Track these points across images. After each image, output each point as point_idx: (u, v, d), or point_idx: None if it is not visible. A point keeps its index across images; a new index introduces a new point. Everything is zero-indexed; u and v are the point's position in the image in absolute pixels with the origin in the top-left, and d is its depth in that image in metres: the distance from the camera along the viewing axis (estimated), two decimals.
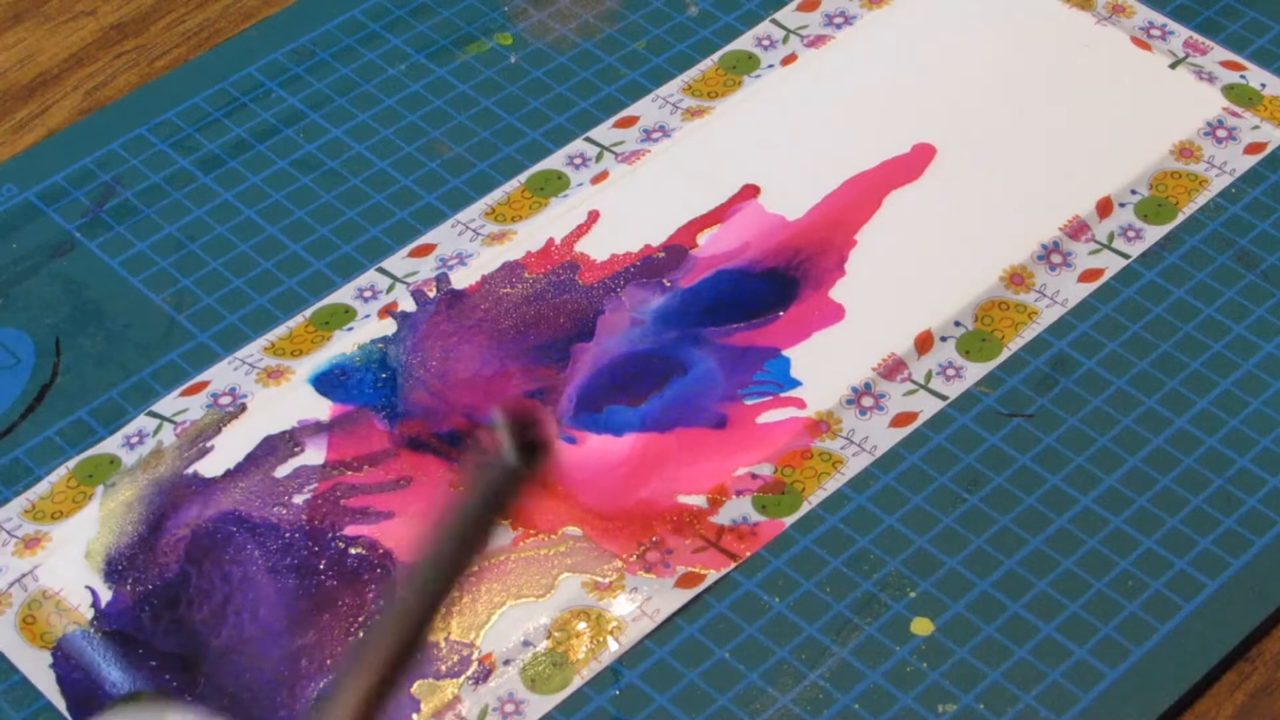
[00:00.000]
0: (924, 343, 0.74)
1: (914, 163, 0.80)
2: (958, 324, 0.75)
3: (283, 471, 0.71)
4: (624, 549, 0.69)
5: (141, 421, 0.72)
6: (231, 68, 0.84)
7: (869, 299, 0.75)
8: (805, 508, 0.70)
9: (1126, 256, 0.77)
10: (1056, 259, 0.77)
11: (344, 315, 0.75)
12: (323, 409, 0.73)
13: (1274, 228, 0.78)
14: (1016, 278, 0.76)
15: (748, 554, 0.68)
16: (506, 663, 0.66)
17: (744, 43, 0.85)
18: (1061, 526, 0.69)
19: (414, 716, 0.64)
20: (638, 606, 0.67)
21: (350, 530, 0.69)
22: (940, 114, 0.81)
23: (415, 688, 0.65)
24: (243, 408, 0.73)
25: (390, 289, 0.76)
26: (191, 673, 0.65)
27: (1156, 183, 0.79)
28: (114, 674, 0.65)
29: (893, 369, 0.73)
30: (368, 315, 0.75)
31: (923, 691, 0.65)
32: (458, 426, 0.72)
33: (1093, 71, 0.83)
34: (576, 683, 0.66)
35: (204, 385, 0.73)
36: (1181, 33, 0.84)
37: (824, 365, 0.73)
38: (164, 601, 0.67)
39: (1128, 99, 0.82)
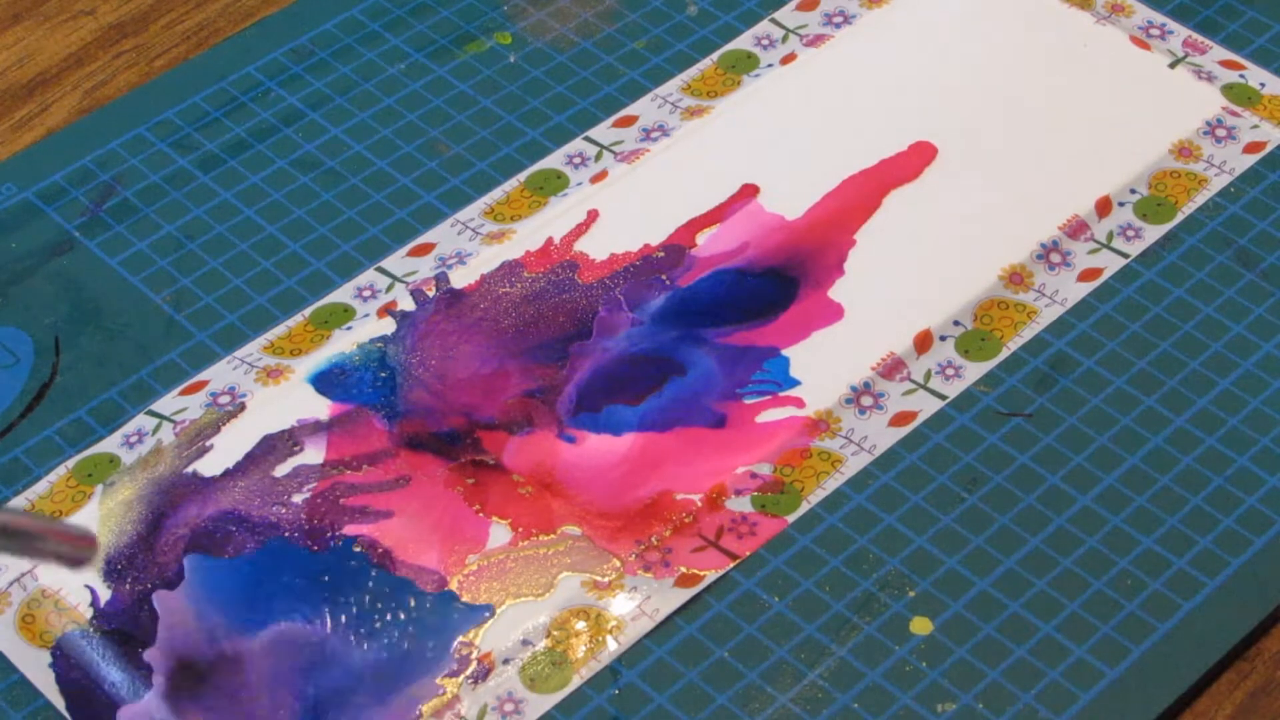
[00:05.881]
0: (923, 342, 0.74)
1: (913, 162, 0.80)
2: (957, 323, 0.75)
3: (282, 471, 0.71)
4: (623, 548, 0.69)
5: (141, 421, 0.72)
6: (231, 67, 0.84)
7: (868, 298, 0.75)
8: (804, 507, 0.70)
9: (1126, 256, 0.77)
10: (1056, 258, 0.77)
11: (343, 314, 0.75)
12: (322, 408, 0.73)
13: (1273, 227, 0.78)
14: (1016, 277, 0.76)
15: (747, 553, 0.68)
16: (505, 662, 0.66)
17: (743, 42, 0.85)
18: (1060, 526, 0.69)
19: (413, 716, 0.65)
20: (637, 606, 0.67)
21: (349, 529, 0.69)
22: (940, 113, 0.81)
23: (414, 687, 0.65)
24: (242, 407, 0.73)
25: (389, 288, 0.76)
26: (190, 672, 0.65)
27: (1156, 182, 0.79)
28: (113, 674, 0.65)
29: (892, 368, 0.73)
30: (367, 314, 0.75)
31: (922, 691, 0.65)
32: (457, 426, 0.72)
33: (1092, 71, 0.83)
34: (576, 682, 0.66)
35: (203, 384, 0.73)
36: (1181, 32, 0.84)
37: (823, 365, 0.73)
38: (163, 600, 0.67)
39: (1127, 98, 0.82)
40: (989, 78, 0.83)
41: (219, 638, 0.66)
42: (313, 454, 0.71)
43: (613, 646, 0.66)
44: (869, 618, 0.67)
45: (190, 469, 0.71)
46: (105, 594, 0.67)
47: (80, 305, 0.76)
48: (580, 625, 0.67)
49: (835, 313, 0.75)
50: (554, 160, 0.81)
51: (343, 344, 0.74)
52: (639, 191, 0.79)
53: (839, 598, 0.67)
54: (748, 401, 0.72)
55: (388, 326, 0.75)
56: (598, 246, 0.77)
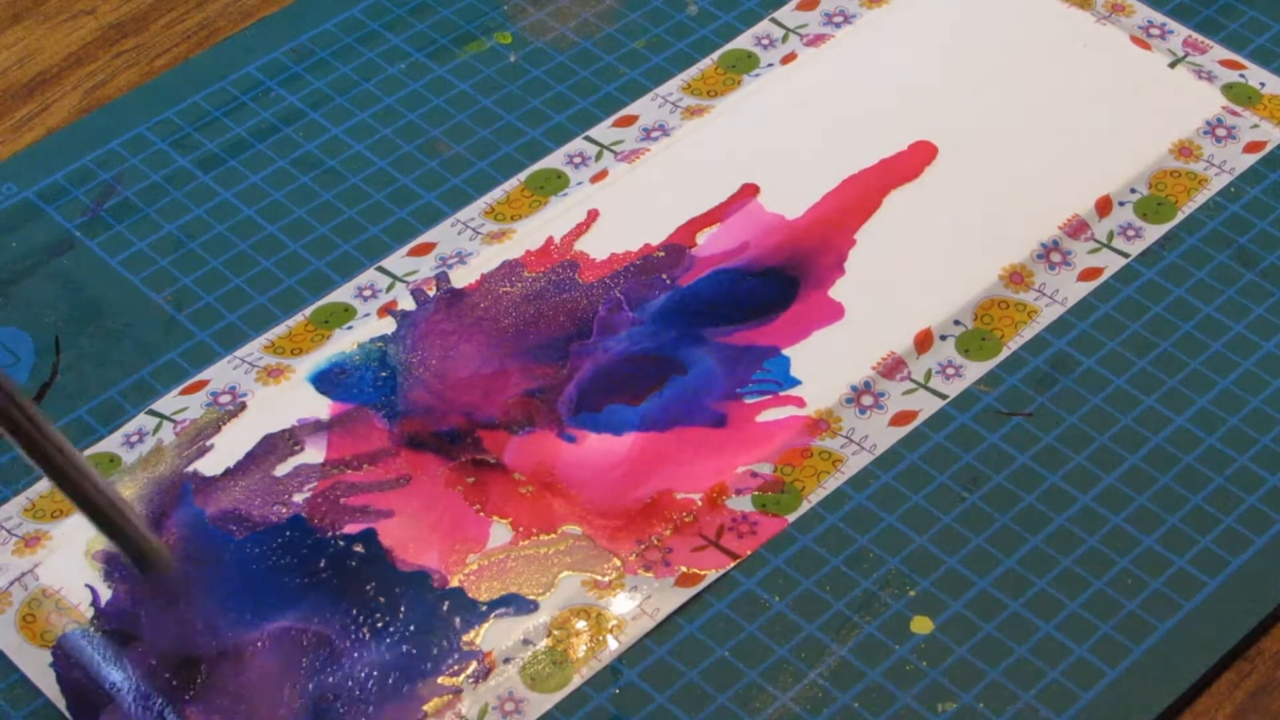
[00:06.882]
0: (924, 341, 0.74)
1: (913, 162, 0.80)
2: (957, 323, 0.75)
3: (282, 470, 0.71)
4: (623, 548, 0.69)
5: (141, 420, 0.72)
6: (231, 66, 0.84)
7: (868, 298, 0.75)
8: (805, 506, 0.70)
9: (1126, 255, 0.77)
10: (1056, 258, 0.77)
11: (344, 314, 0.75)
12: (322, 408, 0.73)
13: (1273, 226, 0.78)
14: (1016, 276, 0.76)
15: (747, 553, 0.68)
16: (506, 661, 0.66)
17: (743, 41, 0.85)
18: (1061, 525, 0.69)
19: (415, 715, 0.65)
20: (637, 605, 0.67)
21: (350, 529, 0.69)
22: (940, 113, 0.81)
23: (416, 686, 0.65)
24: (242, 406, 0.73)
25: (390, 288, 0.76)
26: (191, 672, 0.65)
27: (1156, 181, 0.79)
28: (114, 673, 0.65)
29: (892, 368, 0.73)
30: (367, 314, 0.75)
31: (922, 690, 0.65)
32: (457, 425, 0.72)
33: (1092, 71, 0.83)
34: (576, 681, 0.66)
35: (204, 384, 0.73)
36: (1181, 31, 0.84)
37: (823, 364, 0.73)
38: (163, 600, 0.67)
39: (1127, 98, 0.82)
40: (989, 77, 0.83)
41: (220, 636, 0.66)
42: (313, 453, 0.71)
43: (613, 646, 0.66)
44: (869, 617, 0.67)
45: (191, 468, 0.71)
46: (106, 593, 0.67)
47: (80, 305, 0.76)
48: (581, 624, 0.67)
49: (835, 312, 0.75)
50: (554, 160, 0.81)
51: (343, 343, 0.74)
52: (639, 191, 0.79)
53: (839, 597, 0.67)
54: (748, 401, 0.72)
55: (388, 326, 0.75)
56: (598, 246, 0.77)
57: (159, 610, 0.67)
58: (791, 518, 0.69)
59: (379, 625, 0.66)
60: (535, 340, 0.74)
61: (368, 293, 0.76)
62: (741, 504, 0.70)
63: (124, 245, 0.78)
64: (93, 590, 0.68)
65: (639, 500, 0.70)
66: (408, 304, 0.75)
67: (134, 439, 0.72)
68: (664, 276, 0.76)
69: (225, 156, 0.81)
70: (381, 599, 0.67)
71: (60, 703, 0.65)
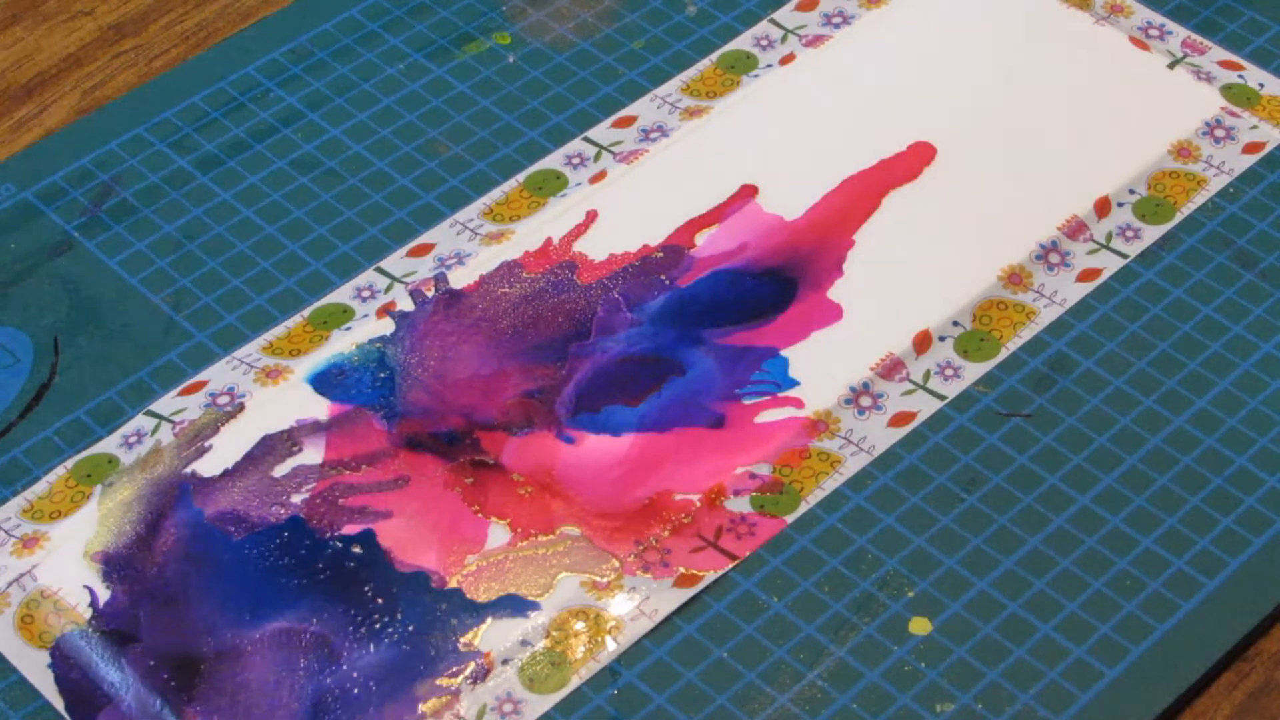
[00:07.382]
0: (922, 342, 0.74)
1: (912, 162, 0.80)
2: (956, 324, 0.75)
3: (281, 471, 0.71)
4: (622, 549, 0.69)
5: (139, 421, 0.72)
6: (229, 67, 0.84)
7: (867, 299, 0.75)
8: (803, 507, 0.70)
9: (1125, 256, 0.77)
10: (1055, 259, 0.77)
11: (342, 315, 0.75)
12: (321, 408, 0.73)
13: (1272, 227, 0.78)
14: (1015, 277, 0.76)
15: (746, 553, 0.68)
16: (505, 662, 0.66)
17: (742, 42, 0.85)
18: (1060, 526, 0.69)
19: (413, 716, 0.64)
20: (636, 606, 0.67)
21: (348, 529, 0.69)
22: (939, 114, 0.81)
23: (414, 687, 0.65)
24: (241, 407, 0.73)
25: (388, 289, 0.76)
26: (189, 672, 0.65)
27: (1155, 182, 0.79)
28: (112, 674, 0.65)
29: (891, 369, 0.73)
30: (366, 315, 0.75)
31: (921, 691, 0.65)
32: (456, 426, 0.72)
33: (1091, 71, 0.83)
34: (575, 682, 0.66)
35: (202, 385, 0.73)
36: (1180, 32, 0.84)
37: (822, 365, 0.73)
38: (162, 601, 0.67)
39: (1126, 99, 0.82)
40: (988, 78, 0.83)
41: (218, 636, 0.66)
42: (312, 454, 0.71)
43: (612, 647, 0.66)
44: (868, 618, 0.67)
45: (189, 469, 0.71)
46: (104, 594, 0.67)
47: (79, 305, 0.76)
48: (579, 625, 0.67)
49: (834, 313, 0.75)
50: (553, 161, 0.81)
51: (342, 344, 0.74)
52: (638, 192, 0.79)
53: (838, 598, 0.67)
54: (747, 402, 0.72)
55: (387, 327, 0.75)
56: (597, 247, 0.77)
57: (157, 611, 0.67)
58: (790, 519, 0.69)
59: (377, 626, 0.66)
60: (534, 341, 0.74)
61: (366, 294, 0.76)
62: (740, 505, 0.70)
63: (123, 246, 0.78)
64: (91, 591, 0.68)
65: (637, 501, 0.70)
66: (406, 305, 0.75)
67: (132, 440, 0.72)
68: (663, 277, 0.76)
69: (224, 157, 0.81)
70: (380, 600, 0.67)
71: (58, 703, 0.65)
